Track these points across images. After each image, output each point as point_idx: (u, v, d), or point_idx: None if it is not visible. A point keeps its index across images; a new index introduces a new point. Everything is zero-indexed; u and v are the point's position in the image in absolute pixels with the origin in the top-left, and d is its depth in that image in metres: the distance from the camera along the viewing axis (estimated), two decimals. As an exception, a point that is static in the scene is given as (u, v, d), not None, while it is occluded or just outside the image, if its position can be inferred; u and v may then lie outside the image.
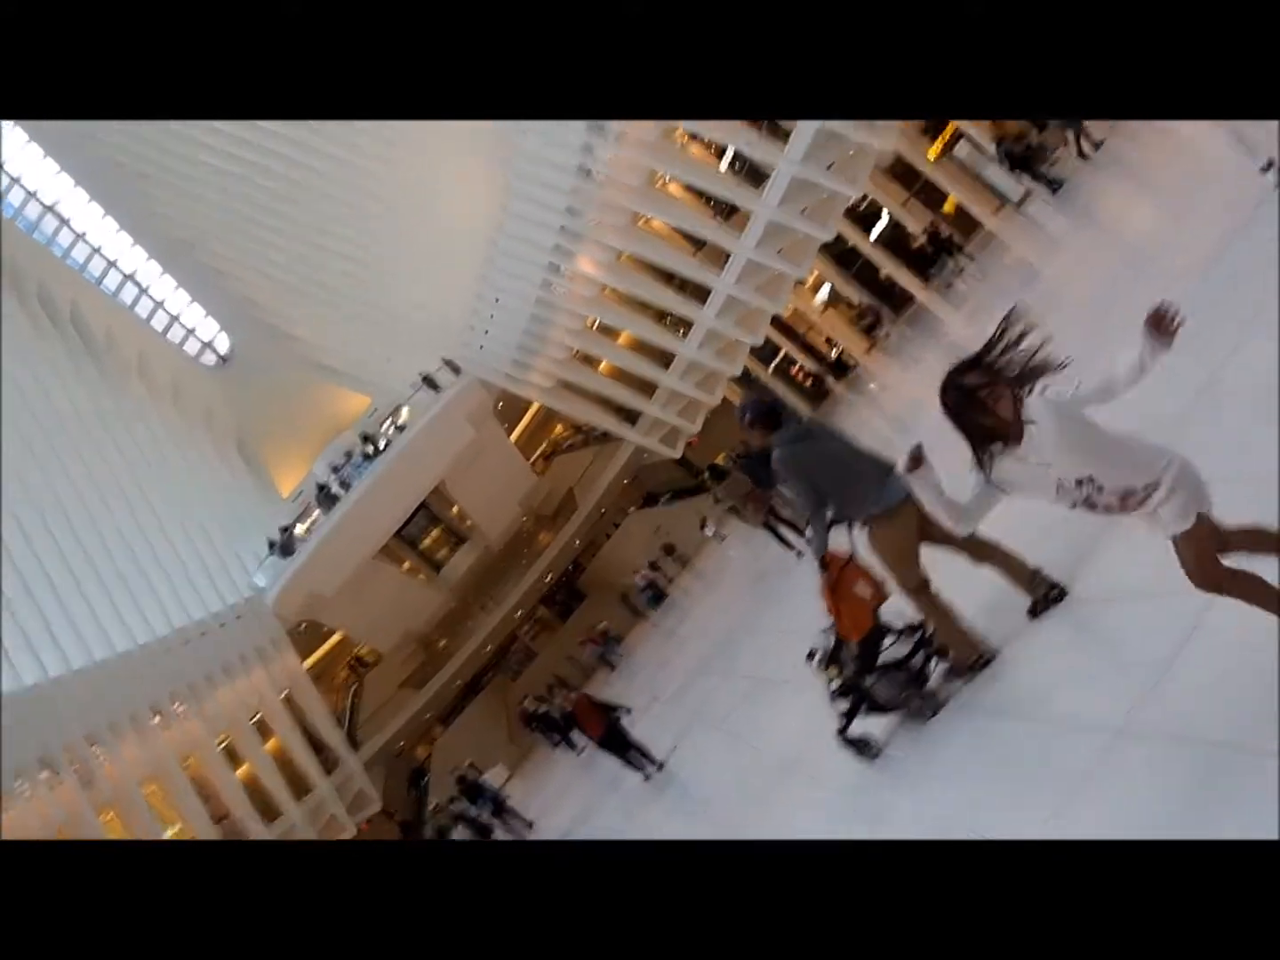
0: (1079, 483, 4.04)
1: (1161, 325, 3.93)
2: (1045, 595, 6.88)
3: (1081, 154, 25.28)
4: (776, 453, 7.50)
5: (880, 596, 7.64)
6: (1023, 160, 27.93)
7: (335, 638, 51.74)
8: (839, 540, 7.67)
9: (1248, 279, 8.16)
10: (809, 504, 7.47)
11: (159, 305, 48.70)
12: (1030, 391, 4.04)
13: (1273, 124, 9.34)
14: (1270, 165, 9.12)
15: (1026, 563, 7.04)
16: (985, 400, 4.00)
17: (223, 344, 51.54)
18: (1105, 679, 5.61)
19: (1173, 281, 10.32)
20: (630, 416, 44.16)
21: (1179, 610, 5.02)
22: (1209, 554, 4.04)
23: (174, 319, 49.52)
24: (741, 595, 22.85)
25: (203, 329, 50.90)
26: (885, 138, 29.24)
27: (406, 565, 50.15)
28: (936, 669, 7.56)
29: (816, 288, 44.24)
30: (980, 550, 7.14)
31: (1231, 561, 4.06)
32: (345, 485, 42.23)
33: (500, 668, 51.52)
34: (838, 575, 7.55)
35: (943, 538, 7.16)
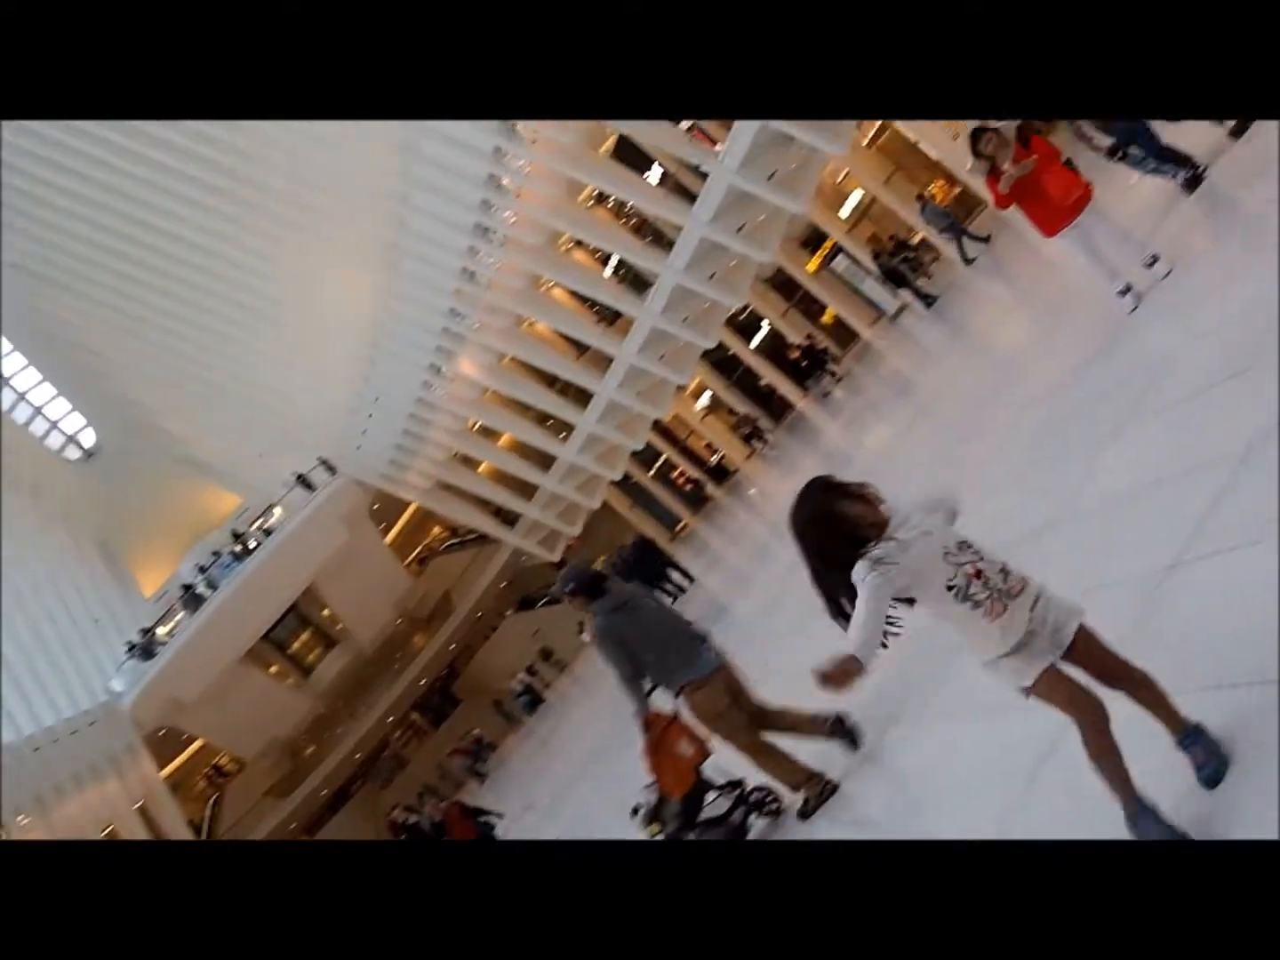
0: (960, 545, 3.84)
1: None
2: (819, 794, 7.11)
3: (966, 259, 25.93)
4: (595, 621, 7.69)
5: (702, 754, 7.83)
6: (898, 275, 28.62)
7: (196, 744, 50.25)
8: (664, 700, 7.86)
9: (1105, 400, 8.34)
10: (626, 671, 7.59)
11: (21, 397, 47.43)
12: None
13: (1135, 248, 9.63)
14: (1128, 289, 9.36)
15: (799, 767, 7.28)
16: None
17: (88, 438, 50.34)
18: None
19: (1034, 399, 10.54)
20: (509, 519, 44.07)
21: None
22: (1073, 686, 3.88)
23: (37, 411, 48.26)
24: (618, 702, 22.58)
25: (68, 422, 49.64)
26: (766, 249, 29.72)
27: (274, 669, 49.05)
28: (757, 822, 7.72)
29: (698, 394, 44.73)
30: (760, 755, 7.45)
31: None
32: (212, 586, 41.29)
33: (370, 776, 50.42)
34: (659, 735, 7.74)
35: (750, 711, 7.56)
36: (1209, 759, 3.79)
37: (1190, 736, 3.85)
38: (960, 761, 5.94)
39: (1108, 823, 3.67)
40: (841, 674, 3.67)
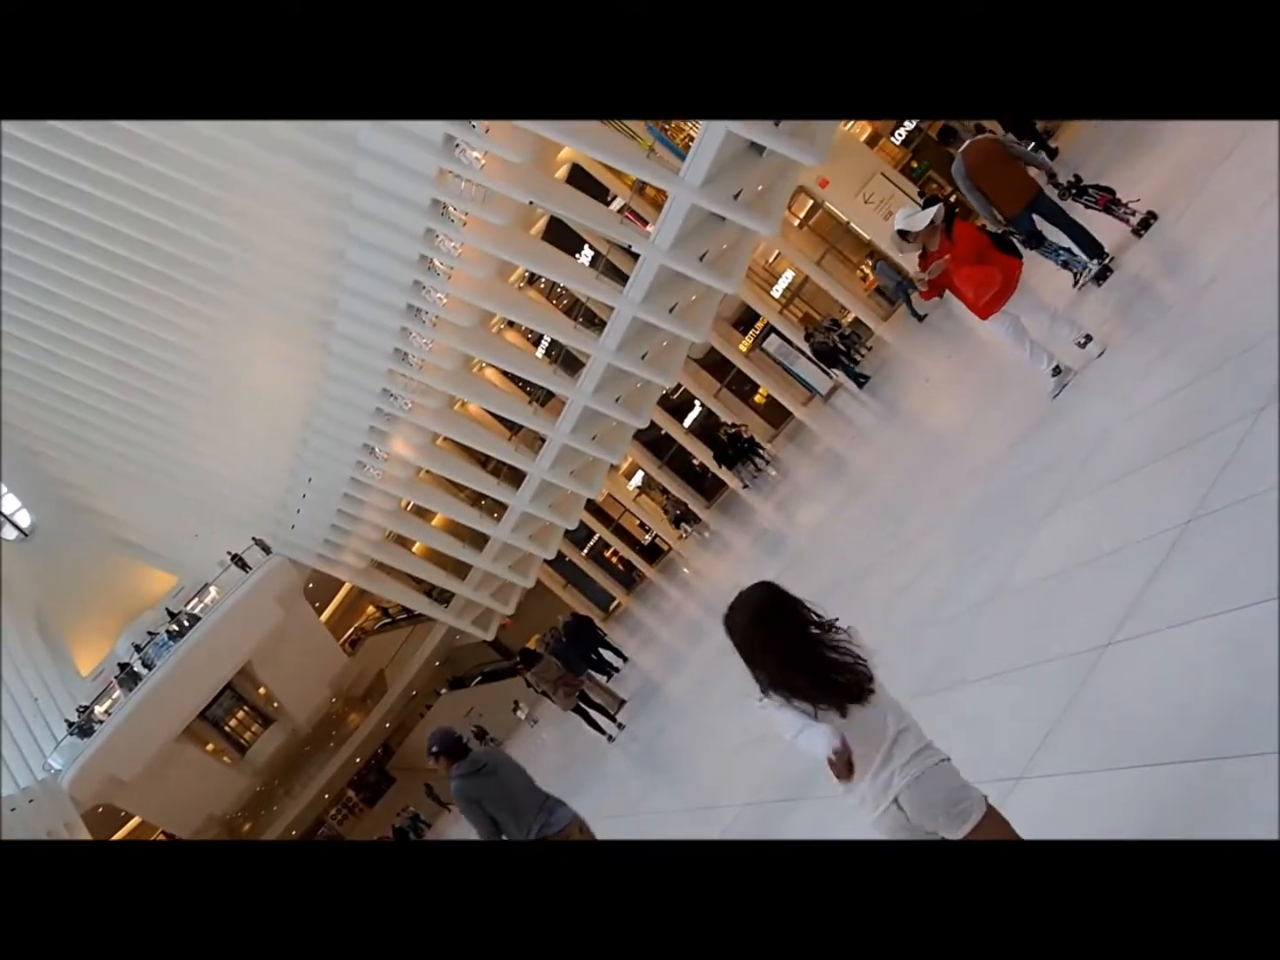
0: None
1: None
2: None
3: (917, 317, 26.23)
4: (453, 784, 7.95)
5: None
6: (830, 355, 28.96)
7: (134, 821, 49.38)
8: None
9: (1038, 478, 8.52)
10: (483, 830, 7.81)
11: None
12: None
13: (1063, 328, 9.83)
14: (1058, 370, 9.55)
15: None
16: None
17: (24, 518, 49.73)
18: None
19: (968, 477, 10.73)
20: (444, 597, 43.84)
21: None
22: None
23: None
24: (551, 781, 22.46)
25: (3, 503, 49.06)
26: (698, 330, 29.99)
27: (211, 747, 48.51)
28: None
29: (630, 474, 44.86)
30: None
31: None
32: (148, 664, 40.87)
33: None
34: None
35: None
36: None
37: None
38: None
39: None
40: (841, 768, 3.76)
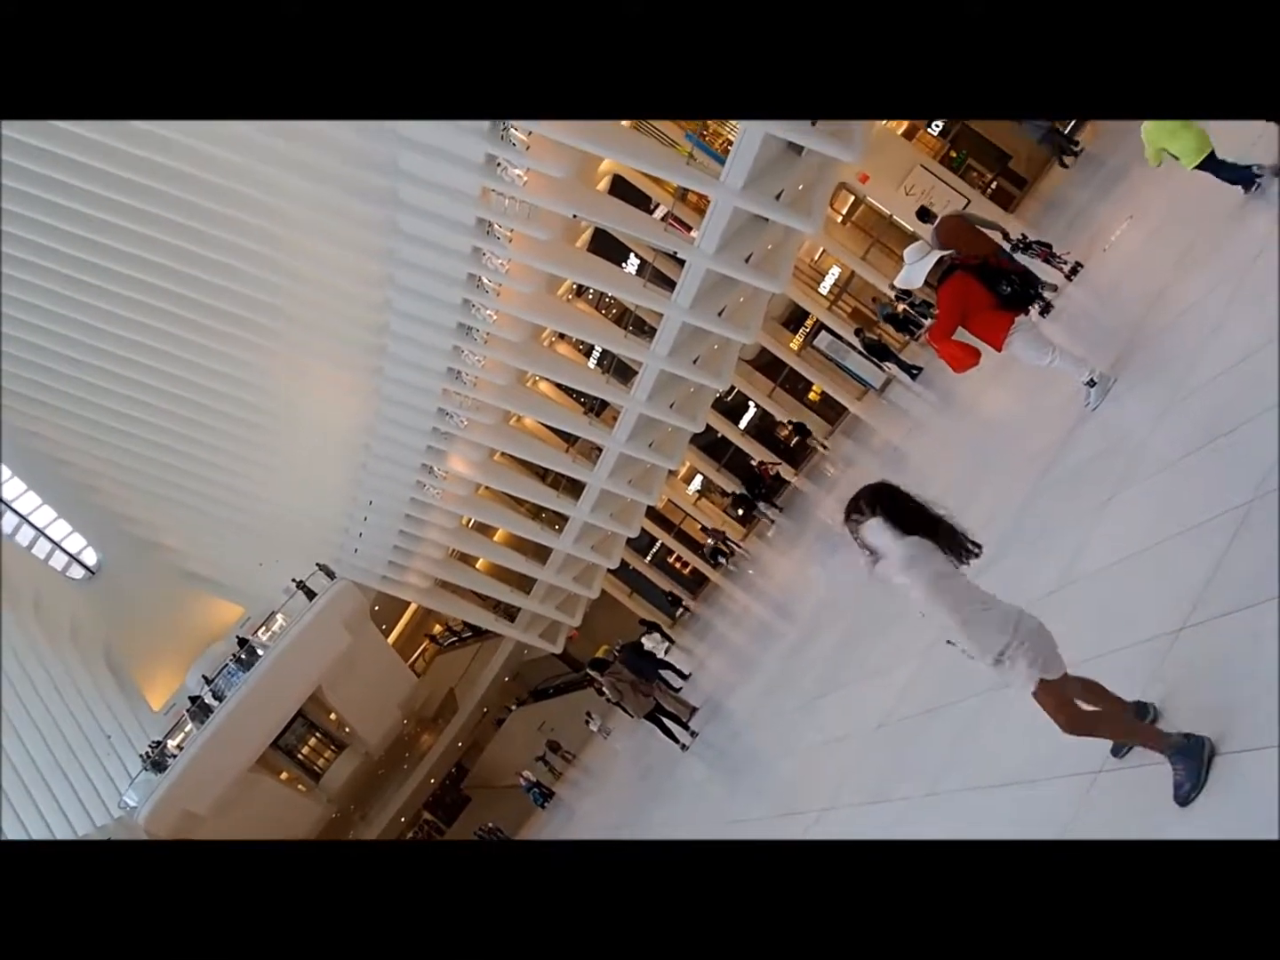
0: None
1: None
2: None
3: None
4: None
5: None
6: (881, 349, 28.84)
7: (211, 857, 49.88)
8: None
9: (1096, 464, 8.45)
10: None
11: (23, 519, 47.46)
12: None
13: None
14: (1093, 383, 9.48)
15: None
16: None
17: (90, 556, 50.31)
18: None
19: (1027, 464, 10.65)
20: (510, 613, 43.96)
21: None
22: (1068, 706, 4.30)
23: (39, 532, 48.27)
24: (629, 791, 22.59)
25: (69, 542, 49.64)
26: (747, 331, 29.97)
27: (284, 775, 48.75)
28: None
29: (689, 478, 44.83)
30: None
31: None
32: (218, 696, 41.16)
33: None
34: None
35: None
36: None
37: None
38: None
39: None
40: None
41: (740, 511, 38.09)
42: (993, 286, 9.91)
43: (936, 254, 10.16)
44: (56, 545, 48.99)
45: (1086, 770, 5.05)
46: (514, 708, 51.00)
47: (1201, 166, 9.88)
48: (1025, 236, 15.90)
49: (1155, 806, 4.24)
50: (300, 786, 49.16)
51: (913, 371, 27.11)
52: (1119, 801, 4.72)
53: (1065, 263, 15.25)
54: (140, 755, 41.05)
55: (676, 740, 18.96)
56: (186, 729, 41.33)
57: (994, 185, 32.13)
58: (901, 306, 27.08)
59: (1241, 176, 9.57)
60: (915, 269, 10.15)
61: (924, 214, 21.66)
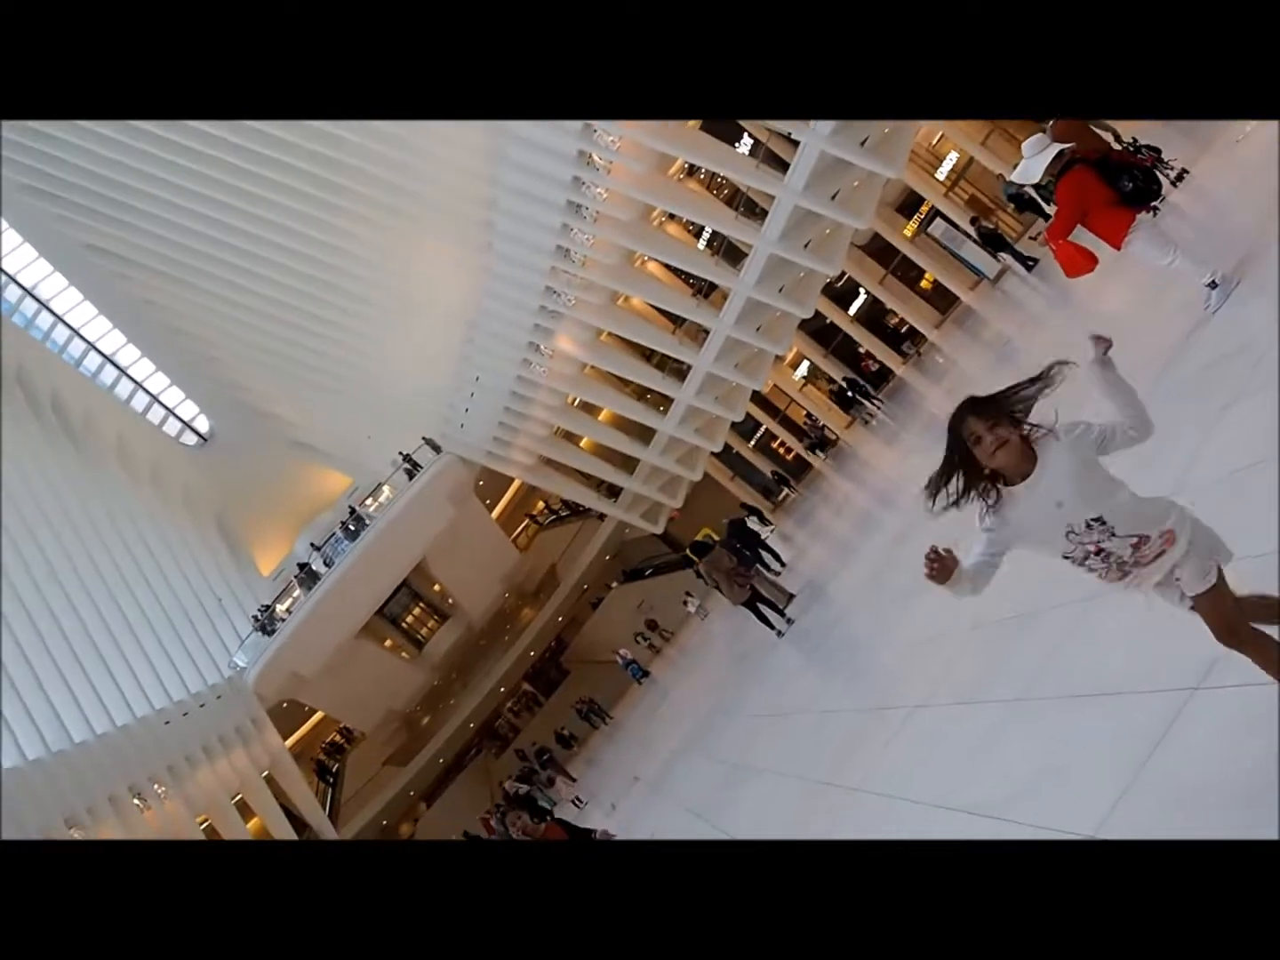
0: (1089, 524, 3.87)
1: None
2: None
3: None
4: None
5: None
6: (997, 238, 28.22)
7: (316, 716, 51.36)
8: None
9: (1214, 370, 8.22)
10: None
11: (139, 386, 48.39)
12: (1043, 431, 3.99)
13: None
14: (1215, 284, 9.15)
15: None
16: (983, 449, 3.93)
17: (202, 424, 51.28)
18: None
19: (1142, 365, 10.39)
20: (612, 492, 44.27)
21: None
22: (1235, 609, 3.95)
23: (154, 399, 49.20)
24: (724, 674, 22.77)
25: (183, 409, 50.58)
26: (861, 216, 29.49)
27: (388, 643, 50.01)
28: None
29: (796, 364, 44.53)
30: None
31: None
32: (327, 563, 42.11)
33: (484, 745, 51.18)
34: None
35: None
36: None
37: None
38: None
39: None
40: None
41: (843, 401, 38.05)
42: (1113, 182, 9.60)
43: (1056, 147, 9.86)
44: (170, 412, 49.92)
45: (1183, 686, 4.98)
46: (614, 585, 51.50)
47: None
48: (1135, 140, 15.17)
49: (1251, 729, 4.17)
50: (404, 654, 50.44)
51: (1029, 263, 26.54)
52: (1215, 719, 4.65)
53: (1172, 169, 14.47)
54: (250, 618, 42.24)
55: (773, 627, 19.01)
56: (295, 594, 42.43)
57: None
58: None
59: None
60: (1034, 162, 9.89)
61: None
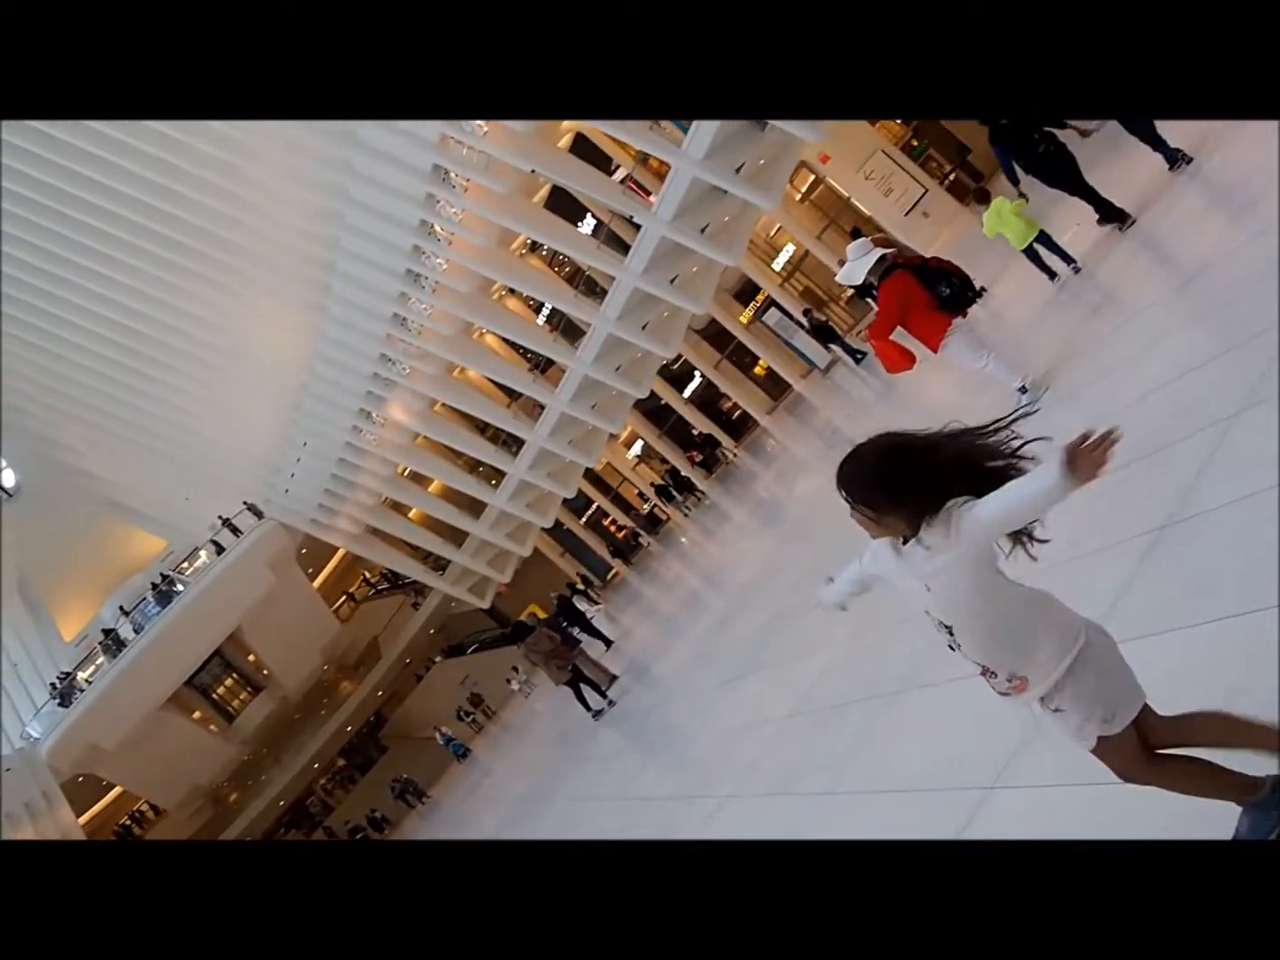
0: (941, 625, 3.22)
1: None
2: None
3: None
4: None
5: None
6: (828, 330, 28.89)
7: (115, 791, 49.36)
8: None
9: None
10: None
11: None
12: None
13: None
14: (1024, 389, 9.43)
15: None
16: None
17: (8, 478, 49.42)
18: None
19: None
20: (439, 564, 43.79)
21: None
22: (1133, 759, 3.18)
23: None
24: (544, 754, 22.61)
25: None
26: (699, 301, 29.88)
27: (197, 715, 48.40)
28: None
29: (630, 443, 44.78)
30: None
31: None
32: (136, 629, 40.73)
33: (294, 824, 49.85)
34: None
35: None
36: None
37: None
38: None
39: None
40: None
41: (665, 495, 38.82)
42: (932, 287, 9.89)
43: (878, 251, 10.10)
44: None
45: (981, 785, 4.97)
46: (438, 660, 50.93)
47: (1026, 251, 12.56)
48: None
49: (1051, 828, 4.16)
50: (213, 727, 48.86)
51: (857, 355, 27.28)
52: (1014, 817, 4.64)
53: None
54: (49, 685, 40.50)
55: (589, 708, 18.94)
56: (98, 661, 40.94)
57: (952, 177, 32.04)
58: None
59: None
60: (857, 265, 10.15)
61: (856, 234, 20.35)
